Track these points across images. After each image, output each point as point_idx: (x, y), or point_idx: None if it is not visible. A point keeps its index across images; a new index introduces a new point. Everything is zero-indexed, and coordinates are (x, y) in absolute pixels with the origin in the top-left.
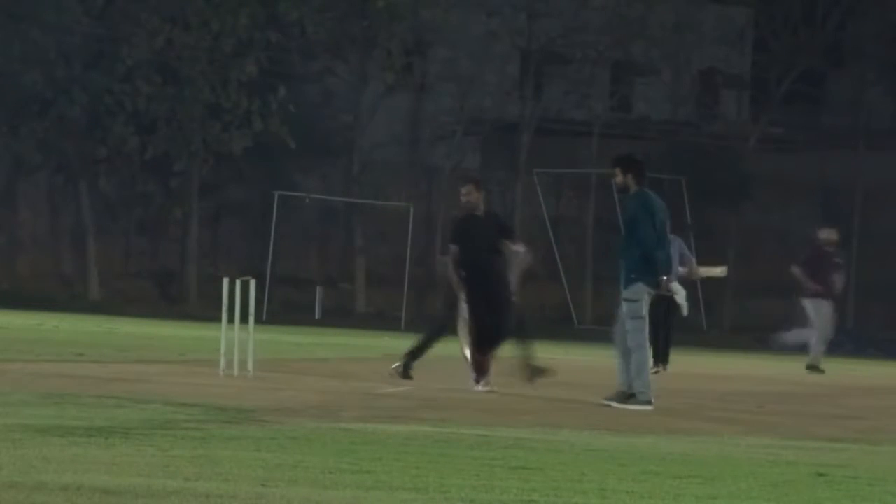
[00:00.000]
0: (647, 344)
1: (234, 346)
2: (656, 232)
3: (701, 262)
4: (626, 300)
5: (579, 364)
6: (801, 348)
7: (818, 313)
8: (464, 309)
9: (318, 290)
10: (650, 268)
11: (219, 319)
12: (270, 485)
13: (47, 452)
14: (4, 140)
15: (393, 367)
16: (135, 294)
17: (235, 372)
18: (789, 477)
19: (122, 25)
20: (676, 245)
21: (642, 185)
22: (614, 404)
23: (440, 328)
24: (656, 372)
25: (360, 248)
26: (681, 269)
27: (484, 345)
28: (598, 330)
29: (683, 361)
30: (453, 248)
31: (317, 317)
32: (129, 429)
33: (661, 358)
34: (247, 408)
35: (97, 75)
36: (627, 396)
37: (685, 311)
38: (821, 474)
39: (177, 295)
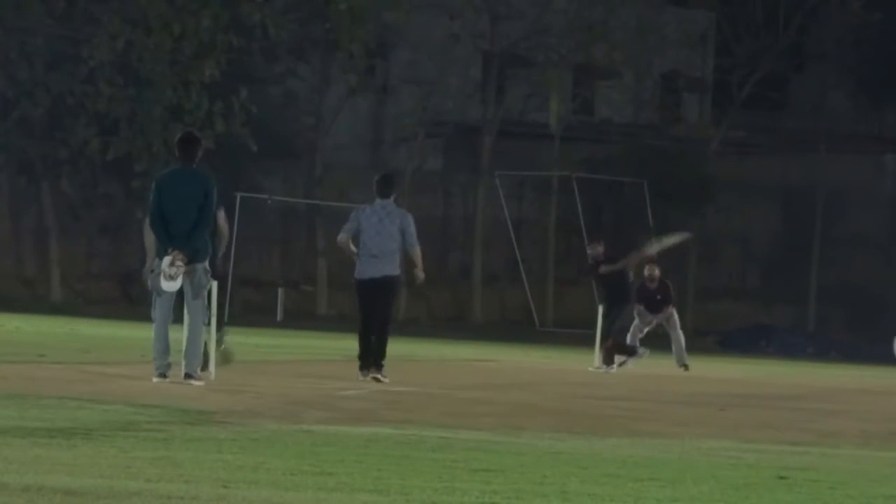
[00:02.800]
0: None
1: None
2: None
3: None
4: None
5: (540, 366)
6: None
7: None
8: None
9: (280, 292)
10: None
11: (181, 321)
12: (232, 486)
13: (8, 453)
14: None
15: None
16: (97, 295)
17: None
18: (750, 480)
19: (85, 27)
20: None
21: None
22: None
23: None
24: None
25: (322, 250)
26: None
27: None
28: (559, 332)
29: (645, 363)
30: None
31: (278, 319)
32: (91, 430)
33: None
34: (208, 409)
35: (59, 77)
36: None
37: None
38: (782, 477)
39: (139, 296)
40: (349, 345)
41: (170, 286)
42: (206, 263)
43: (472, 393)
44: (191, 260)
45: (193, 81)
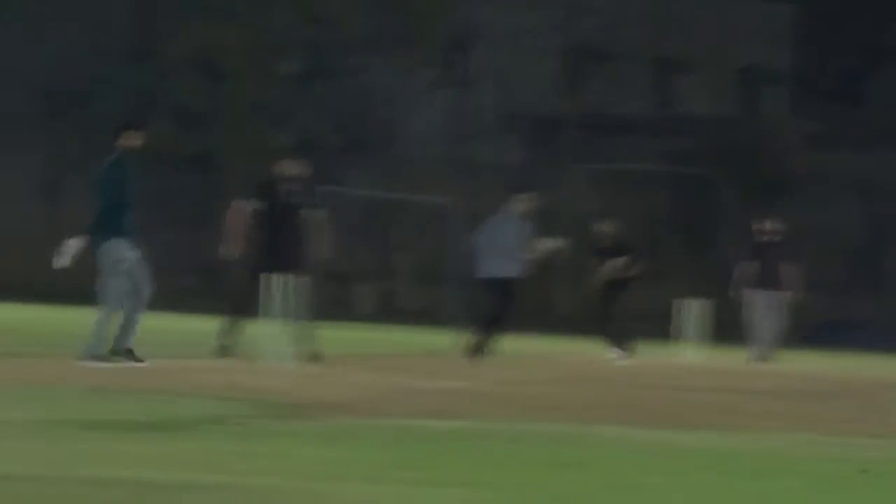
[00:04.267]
0: None
1: (277, 341)
2: None
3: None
4: None
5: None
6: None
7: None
8: None
9: (362, 285)
10: None
11: (260, 314)
12: (319, 480)
13: (87, 448)
14: (46, 136)
15: None
16: (176, 288)
17: (278, 367)
18: (835, 473)
19: (164, 22)
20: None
21: None
22: None
23: None
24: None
25: (403, 243)
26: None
27: None
28: (636, 326)
29: (725, 357)
30: None
31: (359, 312)
32: (172, 423)
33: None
34: (292, 403)
35: (138, 71)
36: None
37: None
38: (864, 470)
39: (221, 290)
40: (431, 339)
41: (56, 262)
42: (107, 247)
43: (554, 387)
44: (91, 243)
45: (274, 75)
